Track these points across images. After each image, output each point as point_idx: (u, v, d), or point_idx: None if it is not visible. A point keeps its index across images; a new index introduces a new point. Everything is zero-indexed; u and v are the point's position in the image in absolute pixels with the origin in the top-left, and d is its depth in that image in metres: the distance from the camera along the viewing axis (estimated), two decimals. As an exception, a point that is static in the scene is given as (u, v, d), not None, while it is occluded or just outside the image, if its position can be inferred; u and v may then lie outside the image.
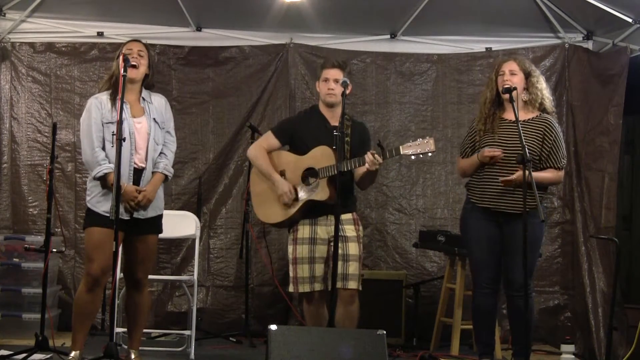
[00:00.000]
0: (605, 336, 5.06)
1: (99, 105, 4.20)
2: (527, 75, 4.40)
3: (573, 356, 5.18)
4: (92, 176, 4.17)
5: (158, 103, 4.36)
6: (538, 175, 4.21)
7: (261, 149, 4.57)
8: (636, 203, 6.45)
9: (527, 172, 4.01)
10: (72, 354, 4.12)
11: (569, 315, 5.86)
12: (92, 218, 4.17)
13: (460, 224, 4.60)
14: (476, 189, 4.42)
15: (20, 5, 5.77)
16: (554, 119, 4.43)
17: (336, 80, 4.42)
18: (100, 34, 6.03)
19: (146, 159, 4.23)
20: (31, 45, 6.00)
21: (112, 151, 4.11)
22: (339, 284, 4.28)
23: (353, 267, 4.36)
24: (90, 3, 5.77)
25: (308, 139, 4.47)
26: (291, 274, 4.46)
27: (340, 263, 4.24)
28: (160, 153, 4.31)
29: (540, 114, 4.40)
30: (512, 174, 4.23)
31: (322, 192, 4.37)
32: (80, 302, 4.16)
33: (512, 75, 4.36)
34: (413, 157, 4.24)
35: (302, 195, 4.42)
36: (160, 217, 4.36)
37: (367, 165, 4.21)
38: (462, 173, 4.63)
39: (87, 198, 4.22)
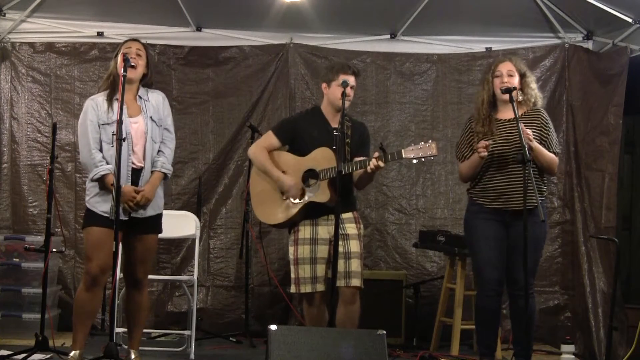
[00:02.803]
0: (605, 336, 5.06)
1: (95, 106, 4.21)
2: (522, 76, 4.41)
3: (573, 356, 5.18)
4: (90, 178, 4.19)
5: (155, 100, 4.34)
6: (542, 149, 4.27)
7: (262, 148, 4.55)
8: (636, 203, 6.44)
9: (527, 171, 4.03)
10: (72, 353, 4.12)
11: (569, 315, 5.86)
12: (91, 218, 4.17)
13: (465, 226, 4.56)
14: (484, 192, 4.39)
15: (20, 5, 5.77)
16: (544, 110, 4.48)
17: (352, 87, 4.42)
18: (100, 34, 6.03)
19: (144, 158, 4.22)
20: (31, 45, 6.00)
21: (109, 152, 4.12)
22: (341, 282, 4.29)
23: (355, 265, 4.36)
24: (90, 3, 5.78)
25: (309, 140, 4.46)
26: (292, 275, 4.45)
27: (342, 261, 4.25)
28: (159, 151, 4.30)
29: (531, 108, 4.43)
30: (514, 173, 4.26)
31: (322, 194, 4.36)
32: (79, 301, 4.17)
33: (510, 77, 4.36)
34: (415, 160, 4.24)
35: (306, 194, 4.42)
36: (159, 216, 4.35)
37: (369, 169, 4.21)
38: (463, 177, 4.52)
39: (87, 198, 4.23)
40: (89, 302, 4.17)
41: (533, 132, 4.32)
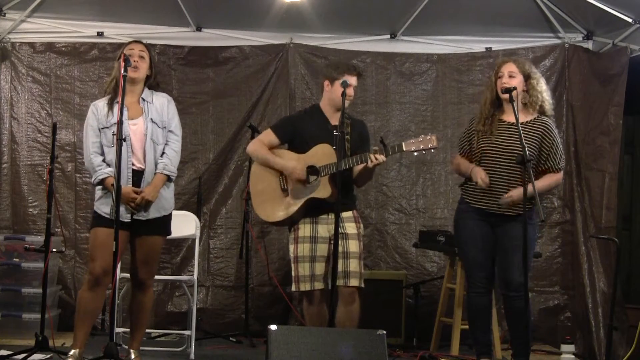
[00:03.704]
0: (605, 336, 5.06)
1: (95, 111, 4.25)
2: (527, 77, 4.38)
3: (573, 356, 5.18)
4: (92, 182, 4.25)
5: (159, 103, 4.35)
6: (539, 185, 4.16)
7: (261, 143, 4.56)
8: (636, 203, 6.45)
9: (527, 172, 4.02)
10: (72, 351, 4.12)
11: (569, 315, 5.86)
12: (96, 219, 4.22)
13: (454, 224, 4.60)
14: (473, 190, 4.42)
15: (20, 5, 5.77)
16: (552, 122, 4.42)
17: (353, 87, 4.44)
18: (100, 34, 6.03)
19: (144, 160, 4.23)
20: (31, 45, 6.00)
21: (110, 155, 4.15)
22: (340, 282, 4.29)
23: (354, 265, 4.36)
24: (90, 3, 5.78)
25: (309, 138, 4.46)
26: (293, 273, 4.47)
27: (340, 261, 4.26)
28: (163, 153, 4.31)
29: (538, 116, 4.39)
30: (509, 175, 4.26)
31: (323, 190, 4.37)
32: (82, 300, 4.18)
33: (510, 78, 4.34)
34: (416, 153, 4.27)
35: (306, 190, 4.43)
36: (165, 218, 4.35)
37: (370, 164, 4.22)
38: (455, 169, 4.65)
39: (94, 200, 4.28)
40: (92, 302, 4.18)
41: (533, 142, 4.29)
